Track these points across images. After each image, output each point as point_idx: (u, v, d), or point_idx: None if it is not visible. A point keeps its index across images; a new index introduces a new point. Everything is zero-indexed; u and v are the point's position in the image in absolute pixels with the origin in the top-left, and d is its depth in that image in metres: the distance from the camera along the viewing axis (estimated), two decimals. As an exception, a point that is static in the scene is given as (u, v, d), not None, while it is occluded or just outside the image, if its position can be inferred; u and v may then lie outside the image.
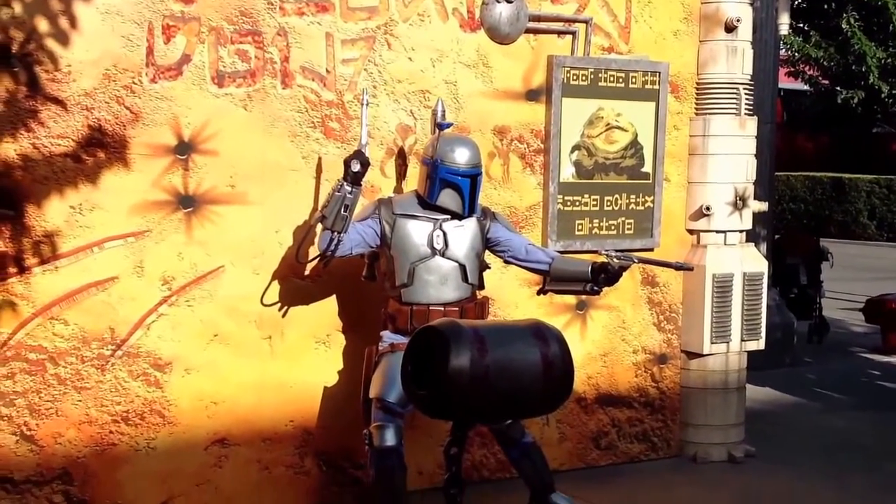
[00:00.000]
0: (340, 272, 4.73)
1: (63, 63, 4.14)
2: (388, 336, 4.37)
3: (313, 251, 4.42)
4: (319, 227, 4.27)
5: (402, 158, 4.86)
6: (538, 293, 4.73)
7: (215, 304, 4.49)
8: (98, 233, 4.25)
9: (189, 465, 4.47)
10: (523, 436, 4.51)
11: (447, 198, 4.34)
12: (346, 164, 4.18)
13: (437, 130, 4.45)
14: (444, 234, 4.35)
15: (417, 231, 4.34)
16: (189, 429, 4.47)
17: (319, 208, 4.29)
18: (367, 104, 4.38)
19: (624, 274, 4.44)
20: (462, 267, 4.36)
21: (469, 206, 4.36)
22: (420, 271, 4.30)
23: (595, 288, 4.44)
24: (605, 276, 4.37)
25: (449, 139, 4.40)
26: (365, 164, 4.20)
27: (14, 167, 4.09)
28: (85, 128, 4.19)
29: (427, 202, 4.37)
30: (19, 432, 4.16)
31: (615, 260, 4.37)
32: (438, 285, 4.32)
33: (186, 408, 4.45)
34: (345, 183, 4.16)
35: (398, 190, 4.83)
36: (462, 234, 4.38)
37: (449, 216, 4.38)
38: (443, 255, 4.34)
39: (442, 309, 4.27)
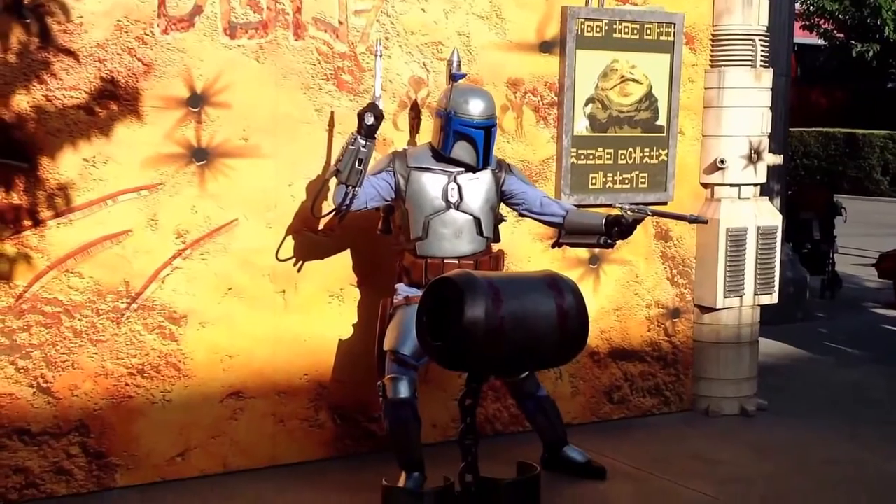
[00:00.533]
0: (355, 226, 4.72)
1: (75, 14, 4.11)
2: (402, 289, 4.37)
3: (328, 206, 4.42)
4: (334, 181, 4.25)
5: (414, 111, 4.83)
6: (552, 246, 4.73)
7: (229, 257, 4.49)
8: (111, 186, 4.24)
9: (204, 418, 4.50)
10: (538, 389, 4.54)
11: (461, 150, 4.32)
12: (360, 116, 4.16)
13: (451, 81, 4.42)
14: (459, 186, 4.33)
15: (432, 184, 4.32)
16: (204, 382, 4.49)
17: (333, 162, 4.27)
18: (381, 55, 4.34)
19: (637, 227, 4.42)
20: (477, 220, 4.34)
21: (483, 158, 4.34)
22: (435, 224, 4.29)
23: (609, 241, 4.43)
24: (618, 228, 4.36)
25: (463, 90, 4.36)
26: (379, 117, 4.17)
27: (27, 119, 4.07)
28: (97, 80, 4.17)
29: (441, 155, 4.34)
30: (36, 384, 4.19)
31: (629, 213, 4.36)
32: (453, 238, 4.31)
33: (201, 361, 4.47)
34: (358, 136, 4.13)
35: (411, 143, 4.81)
36: (477, 187, 4.36)
37: (463, 169, 4.35)
38: (457, 207, 4.32)
39: (457, 262, 4.27)
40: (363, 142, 4.12)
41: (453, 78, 4.37)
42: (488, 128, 4.31)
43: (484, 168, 4.37)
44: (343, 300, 4.75)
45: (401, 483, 4.10)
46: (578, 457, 4.63)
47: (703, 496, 4.49)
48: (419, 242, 4.29)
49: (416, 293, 4.21)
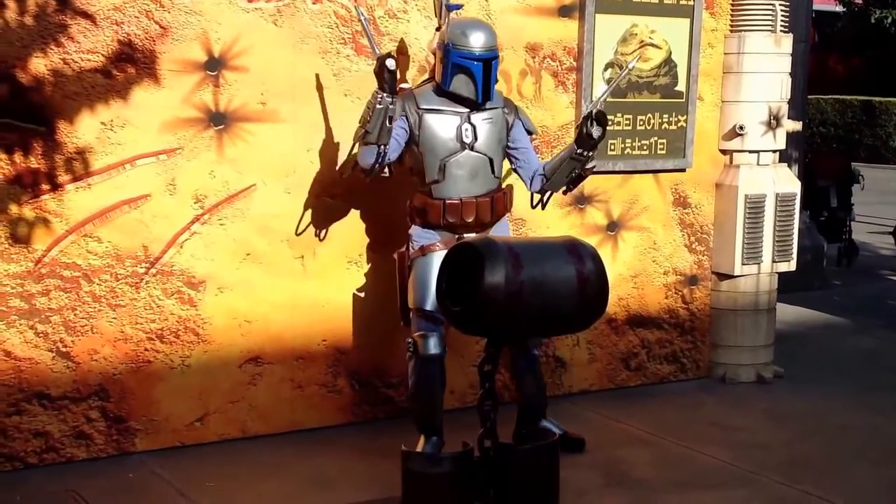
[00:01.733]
0: (371, 190, 4.71)
1: (91, -24, 4.08)
2: (417, 234, 4.28)
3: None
4: (358, 144, 4.19)
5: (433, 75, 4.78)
6: (532, 207, 4.53)
7: (247, 222, 4.48)
8: (129, 150, 4.23)
9: (223, 383, 4.52)
10: (535, 347, 4.51)
11: (459, 83, 4.16)
12: (380, 70, 3.97)
13: (445, 13, 4.24)
14: (473, 127, 4.23)
15: (445, 126, 4.20)
16: (223, 347, 4.50)
17: (361, 123, 4.12)
18: (366, 19, 4.19)
19: (598, 130, 4.20)
20: (490, 160, 4.26)
21: (483, 93, 4.16)
22: (451, 167, 4.20)
23: (581, 153, 4.25)
24: (583, 133, 4.20)
25: (461, 22, 4.21)
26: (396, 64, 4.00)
27: (44, 83, 4.06)
28: (115, 43, 4.14)
29: (443, 90, 4.20)
30: (55, 349, 4.20)
31: (592, 110, 4.22)
32: (469, 180, 4.23)
33: (220, 326, 4.48)
34: (384, 95, 4.00)
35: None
36: (489, 128, 4.25)
37: (468, 109, 4.22)
38: (472, 148, 4.23)
39: (474, 200, 4.21)
40: (389, 99, 4.00)
41: (448, 8, 4.20)
42: (488, 60, 4.13)
43: (483, 102, 4.20)
44: (361, 266, 4.75)
45: (419, 447, 4.10)
46: (555, 429, 4.53)
47: (719, 462, 4.50)
48: (435, 185, 4.22)
49: (431, 239, 4.20)
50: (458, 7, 4.32)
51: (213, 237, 4.42)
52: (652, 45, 5.29)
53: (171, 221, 4.34)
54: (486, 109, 4.26)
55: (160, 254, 4.33)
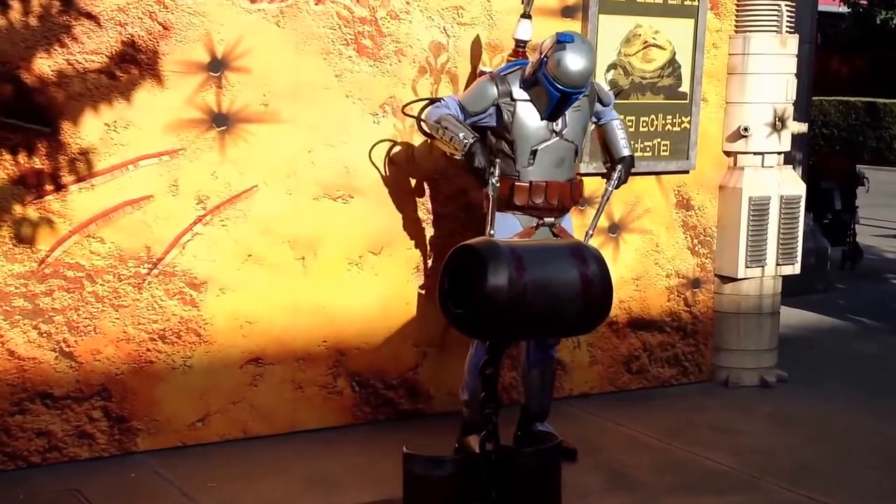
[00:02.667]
0: (372, 193, 4.71)
1: (95, -23, 4.09)
2: (498, 227, 4.18)
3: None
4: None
5: (434, 77, 4.78)
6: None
7: (249, 223, 4.48)
8: (133, 150, 4.23)
9: (225, 384, 4.52)
10: (551, 347, 4.50)
11: (537, 94, 4.20)
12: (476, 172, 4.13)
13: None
14: (564, 116, 4.28)
15: (537, 115, 4.24)
16: (224, 348, 4.50)
17: (441, 135, 4.19)
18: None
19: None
20: (576, 148, 4.37)
21: (550, 115, 4.23)
22: (541, 153, 4.26)
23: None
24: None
25: (566, 54, 4.10)
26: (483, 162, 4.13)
27: (48, 83, 4.06)
28: (118, 44, 4.14)
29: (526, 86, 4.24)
30: (58, 349, 4.21)
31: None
32: (556, 166, 4.31)
33: (222, 327, 4.48)
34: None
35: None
36: (577, 115, 4.34)
37: None
38: (561, 136, 4.29)
39: (559, 183, 4.29)
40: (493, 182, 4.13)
41: (559, 40, 4.13)
42: (568, 95, 4.17)
43: (549, 121, 4.25)
44: (362, 267, 4.74)
45: (476, 447, 3.87)
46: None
47: (723, 467, 4.49)
48: (524, 169, 4.26)
49: (511, 230, 4.19)
50: (571, 40, 4.19)
51: (214, 238, 4.42)
52: (656, 45, 5.28)
53: (174, 222, 4.34)
54: (553, 121, 4.29)
55: (162, 254, 4.33)
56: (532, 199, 4.24)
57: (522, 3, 4.49)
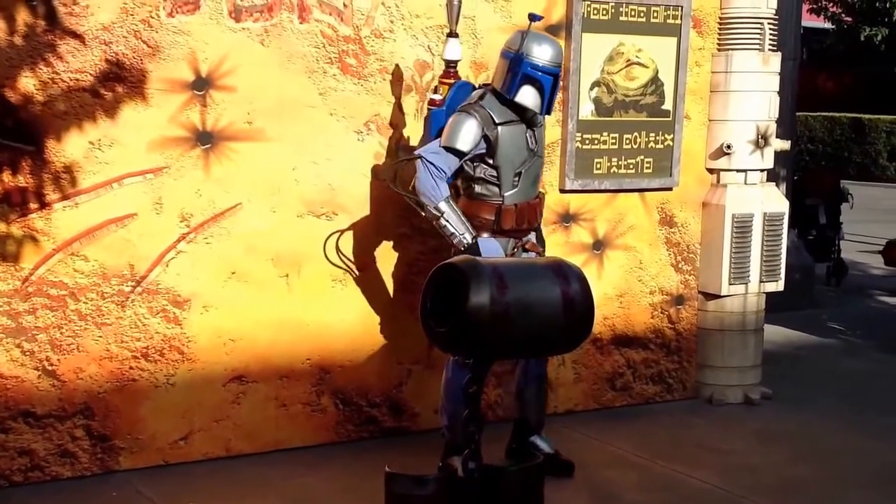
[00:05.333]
0: (356, 211, 4.72)
1: (80, -4, 4.10)
2: (484, 250, 4.22)
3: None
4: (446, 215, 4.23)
5: (419, 95, 4.80)
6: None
7: (233, 241, 4.48)
8: (117, 169, 4.23)
9: (208, 401, 4.51)
10: (544, 362, 4.55)
11: (526, 94, 4.23)
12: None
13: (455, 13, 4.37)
14: (534, 132, 4.36)
15: (517, 136, 4.28)
16: (207, 365, 4.49)
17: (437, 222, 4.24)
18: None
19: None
20: (543, 164, 4.48)
21: (548, 106, 4.30)
22: (524, 175, 4.32)
23: None
24: None
25: (536, 35, 4.26)
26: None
27: (33, 101, 4.06)
28: (103, 62, 4.15)
29: (504, 98, 4.25)
30: (41, 367, 4.19)
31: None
32: (532, 184, 4.39)
33: (205, 344, 4.48)
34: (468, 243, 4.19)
35: (414, 127, 4.79)
36: (541, 131, 4.43)
37: (524, 119, 4.30)
38: (536, 154, 4.38)
39: (535, 202, 4.38)
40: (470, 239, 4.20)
41: (532, 18, 4.28)
42: (556, 75, 4.25)
43: (547, 114, 4.36)
44: (346, 285, 4.75)
45: (460, 470, 3.84)
46: (546, 447, 4.52)
47: (708, 486, 4.49)
48: (508, 193, 4.29)
49: (497, 253, 4.23)
50: (540, 18, 4.37)
51: (198, 256, 4.42)
52: (639, 63, 5.31)
53: (158, 240, 4.34)
54: (549, 114, 4.43)
55: (146, 272, 4.33)
56: (517, 223, 4.29)
57: (449, 23, 4.42)
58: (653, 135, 5.40)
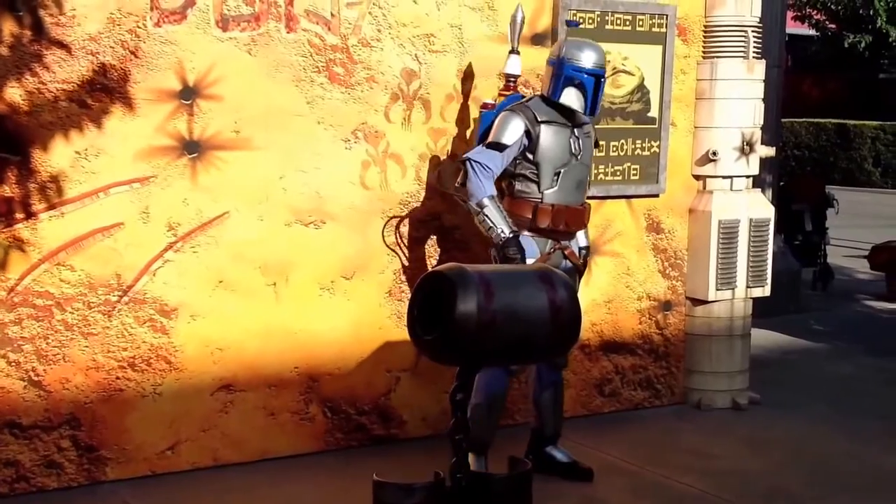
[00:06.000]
0: (344, 219, 4.72)
1: (67, 7, 4.09)
2: (530, 245, 4.36)
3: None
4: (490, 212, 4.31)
5: (406, 103, 4.81)
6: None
7: (220, 250, 4.48)
8: (103, 178, 4.23)
9: (195, 411, 4.50)
10: (560, 369, 4.58)
11: (570, 96, 4.38)
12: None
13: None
14: (578, 139, 4.44)
15: (559, 137, 4.39)
16: (195, 374, 4.48)
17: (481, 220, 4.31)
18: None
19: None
20: (588, 171, 4.55)
21: (591, 106, 4.40)
22: (563, 176, 4.40)
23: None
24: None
25: (576, 41, 4.46)
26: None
27: (19, 111, 4.05)
28: (90, 72, 4.15)
29: (551, 102, 4.39)
30: (27, 378, 4.18)
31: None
32: (575, 189, 4.46)
33: (192, 354, 4.47)
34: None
35: (401, 135, 4.80)
36: (588, 141, 4.52)
37: (571, 123, 4.42)
38: (578, 159, 4.45)
39: (578, 208, 4.47)
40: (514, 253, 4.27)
41: (567, 24, 4.51)
42: (598, 76, 4.38)
43: (592, 115, 4.45)
44: (334, 293, 4.74)
45: (474, 465, 4.01)
46: (563, 457, 4.59)
47: (697, 491, 4.50)
48: (548, 191, 4.38)
49: (530, 255, 4.31)
50: (577, 24, 4.61)
51: (185, 265, 4.42)
52: (625, 71, 5.34)
53: (144, 249, 4.33)
54: (584, 124, 4.49)
55: (133, 282, 4.32)
56: (554, 223, 4.37)
57: (511, 41, 4.64)
58: (639, 142, 5.42)
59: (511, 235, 4.27)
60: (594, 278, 5.39)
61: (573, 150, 4.42)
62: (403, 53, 4.78)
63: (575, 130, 4.44)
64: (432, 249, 4.92)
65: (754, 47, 5.58)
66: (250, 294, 4.56)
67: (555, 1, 5.11)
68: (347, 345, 4.77)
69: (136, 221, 4.31)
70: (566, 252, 4.46)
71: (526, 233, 4.38)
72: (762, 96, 5.70)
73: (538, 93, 4.60)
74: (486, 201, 4.29)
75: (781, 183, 9.59)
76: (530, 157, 4.37)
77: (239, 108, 4.45)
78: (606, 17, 5.22)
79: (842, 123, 21.55)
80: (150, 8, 4.23)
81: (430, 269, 4.62)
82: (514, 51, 4.63)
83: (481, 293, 3.38)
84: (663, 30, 5.40)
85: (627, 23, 5.28)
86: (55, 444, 4.24)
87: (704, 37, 5.59)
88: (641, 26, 5.33)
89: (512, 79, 4.63)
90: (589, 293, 5.33)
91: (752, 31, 5.56)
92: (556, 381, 4.59)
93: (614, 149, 5.35)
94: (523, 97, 4.56)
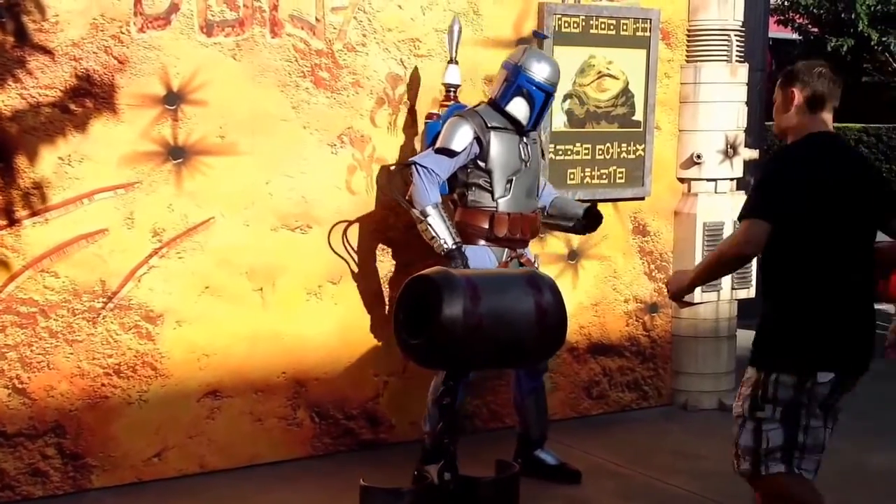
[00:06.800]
0: (331, 224, 4.72)
1: (50, 13, 4.07)
2: (472, 259, 4.30)
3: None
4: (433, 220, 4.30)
5: (392, 108, 4.81)
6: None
7: (206, 255, 4.46)
8: (87, 184, 4.21)
9: (182, 417, 4.48)
10: (541, 374, 4.57)
11: (517, 106, 4.36)
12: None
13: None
14: (527, 146, 4.44)
15: (509, 144, 4.38)
16: (181, 381, 4.47)
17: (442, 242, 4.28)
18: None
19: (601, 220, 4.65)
20: (537, 178, 4.51)
21: (534, 121, 4.40)
22: (515, 183, 4.38)
23: (583, 226, 4.64)
24: (594, 212, 4.61)
25: (538, 52, 4.47)
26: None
27: (2, 118, 4.03)
28: (73, 78, 4.13)
29: (498, 107, 4.37)
30: (11, 385, 4.15)
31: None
32: (526, 196, 4.43)
33: (178, 360, 4.45)
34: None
35: (387, 140, 4.80)
36: (535, 148, 4.50)
37: (517, 131, 4.41)
38: (528, 166, 4.43)
39: (530, 215, 4.43)
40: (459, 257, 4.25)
41: (535, 35, 4.55)
42: (548, 93, 4.39)
43: (532, 129, 4.44)
44: (321, 297, 4.74)
45: (435, 479, 3.94)
46: (551, 460, 4.60)
47: (685, 492, 4.51)
48: (502, 199, 4.36)
49: (485, 263, 4.28)
50: (546, 37, 4.60)
51: (171, 271, 4.40)
52: (609, 75, 5.36)
53: (129, 255, 4.32)
54: (530, 131, 4.47)
55: (118, 288, 4.30)
56: (511, 231, 4.34)
57: (449, 50, 4.61)
58: (625, 145, 5.44)
59: (454, 247, 4.23)
60: (581, 281, 5.40)
61: (523, 157, 4.41)
62: (389, 58, 4.78)
63: (523, 137, 4.43)
64: (417, 253, 4.89)
65: (737, 51, 5.61)
66: (237, 299, 4.55)
67: (540, 5, 5.12)
68: (335, 349, 4.76)
69: (121, 227, 4.29)
70: (522, 261, 4.42)
71: (482, 242, 4.35)
72: (745, 100, 5.73)
73: (485, 100, 4.52)
74: (429, 210, 4.25)
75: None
76: (482, 164, 4.34)
77: (224, 114, 4.44)
78: (591, 22, 5.24)
79: (825, 126, 21.66)
80: (134, 13, 4.21)
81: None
82: (452, 60, 4.60)
83: (467, 297, 3.38)
84: (647, 34, 5.42)
85: (611, 27, 5.30)
86: (40, 452, 4.22)
87: (688, 41, 5.61)
88: (625, 30, 5.35)
89: (452, 88, 4.60)
90: (576, 296, 5.34)
91: (735, 35, 5.59)
92: (537, 386, 4.56)
93: (600, 152, 5.37)
94: (465, 107, 4.50)
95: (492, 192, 4.35)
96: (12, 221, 4.10)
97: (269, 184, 4.57)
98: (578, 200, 5.26)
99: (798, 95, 3.27)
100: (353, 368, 4.82)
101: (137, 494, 4.32)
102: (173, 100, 4.33)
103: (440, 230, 4.24)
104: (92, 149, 4.20)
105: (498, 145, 4.35)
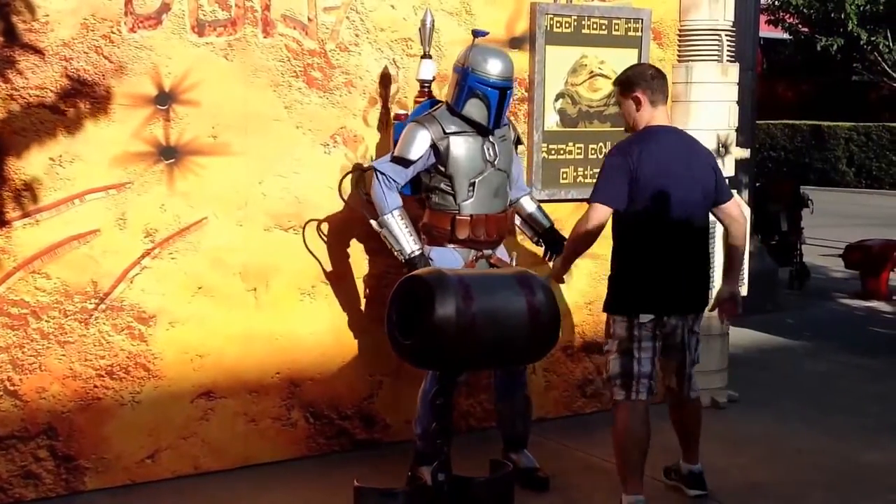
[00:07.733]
0: (324, 224, 4.71)
1: (41, 13, 4.05)
2: (437, 260, 4.24)
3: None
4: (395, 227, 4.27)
5: (384, 107, 4.81)
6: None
7: (199, 256, 4.45)
8: (79, 185, 4.19)
9: (175, 419, 4.47)
10: (521, 375, 4.54)
11: (473, 108, 4.26)
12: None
13: (428, 36, 4.46)
14: (493, 145, 4.35)
15: (470, 146, 4.29)
16: (174, 382, 4.45)
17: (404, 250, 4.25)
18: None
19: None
20: (508, 177, 4.43)
21: (494, 120, 4.29)
22: (479, 185, 4.31)
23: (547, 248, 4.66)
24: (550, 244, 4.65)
25: (483, 48, 4.31)
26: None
27: (-9, 119, 4.02)
28: (64, 78, 4.12)
29: (455, 111, 4.29)
30: (2, 388, 4.13)
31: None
32: (493, 196, 4.36)
33: (171, 361, 4.44)
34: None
35: (380, 139, 4.79)
36: (504, 145, 4.41)
37: (480, 132, 4.32)
38: (494, 166, 4.35)
39: (496, 216, 4.36)
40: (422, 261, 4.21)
41: (475, 34, 4.35)
42: (504, 89, 4.26)
43: (494, 129, 4.33)
44: (314, 297, 4.73)
45: (429, 478, 3.88)
46: (525, 462, 4.52)
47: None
48: (464, 203, 4.30)
49: (453, 263, 4.22)
50: (484, 34, 4.42)
51: (164, 271, 4.39)
52: (601, 75, 5.36)
53: (121, 256, 4.30)
54: (496, 128, 4.37)
55: (110, 289, 4.29)
56: (473, 233, 4.28)
57: (422, 44, 4.52)
58: (616, 144, 5.43)
59: (411, 255, 4.18)
60: (575, 280, 5.40)
61: (488, 158, 4.32)
62: (381, 58, 4.77)
63: (489, 137, 4.33)
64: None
65: (728, 51, 5.61)
66: (230, 300, 4.53)
67: (531, 5, 5.12)
68: (329, 349, 4.75)
69: (113, 228, 4.28)
70: (491, 260, 4.35)
71: (449, 245, 4.32)
72: (737, 99, 5.73)
73: (445, 101, 4.41)
74: (387, 219, 4.21)
75: (757, 184, 9.66)
76: (442, 169, 4.28)
77: (216, 114, 4.43)
78: (582, 22, 5.24)
79: (816, 125, 21.76)
80: (125, 13, 4.20)
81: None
82: (426, 55, 4.51)
83: (460, 297, 3.39)
84: (639, 34, 5.42)
85: (603, 27, 5.31)
86: (32, 455, 4.20)
87: (679, 40, 5.62)
88: (617, 30, 5.35)
89: (426, 84, 4.52)
90: (570, 295, 5.34)
91: (726, 35, 5.60)
92: (515, 388, 4.52)
93: (593, 151, 5.37)
94: (438, 103, 4.44)
95: (454, 196, 4.29)
96: (3, 222, 4.08)
97: (261, 184, 4.56)
98: (570, 200, 5.28)
99: (643, 97, 4.11)
100: (347, 368, 4.81)
101: (131, 496, 4.30)
102: (165, 100, 4.32)
103: (399, 238, 4.20)
104: (83, 149, 4.18)
105: (458, 149, 4.26)
